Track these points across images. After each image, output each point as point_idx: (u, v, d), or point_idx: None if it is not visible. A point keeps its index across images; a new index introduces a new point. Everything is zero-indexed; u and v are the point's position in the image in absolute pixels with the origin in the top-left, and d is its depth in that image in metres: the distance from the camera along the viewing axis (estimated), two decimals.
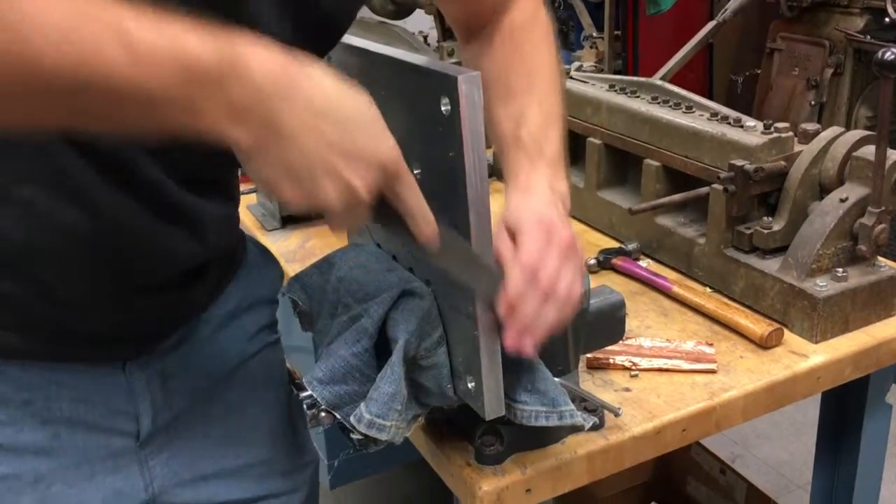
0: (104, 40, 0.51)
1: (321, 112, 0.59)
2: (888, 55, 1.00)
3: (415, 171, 0.78)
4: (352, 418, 0.81)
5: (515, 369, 0.83)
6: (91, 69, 0.51)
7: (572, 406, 0.85)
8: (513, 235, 0.77)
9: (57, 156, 0.66)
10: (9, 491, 0.73)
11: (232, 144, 0.58)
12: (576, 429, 0.87)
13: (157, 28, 0.53)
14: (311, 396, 0.84)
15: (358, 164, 0.61)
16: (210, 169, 0.76)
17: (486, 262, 0.74)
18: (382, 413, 0.80)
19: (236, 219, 0.87)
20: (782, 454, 2.33)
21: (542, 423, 0.84)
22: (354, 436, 0.83)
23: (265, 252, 0.97)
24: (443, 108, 0.69)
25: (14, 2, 0.49)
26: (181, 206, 0.73)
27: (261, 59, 0.57)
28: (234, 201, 0.85)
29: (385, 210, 0.66)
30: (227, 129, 0.56)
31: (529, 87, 0.87)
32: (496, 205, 0.75)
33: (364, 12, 2.20)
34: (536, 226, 0.76)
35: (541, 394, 0.84)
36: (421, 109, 0.73)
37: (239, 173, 0.86)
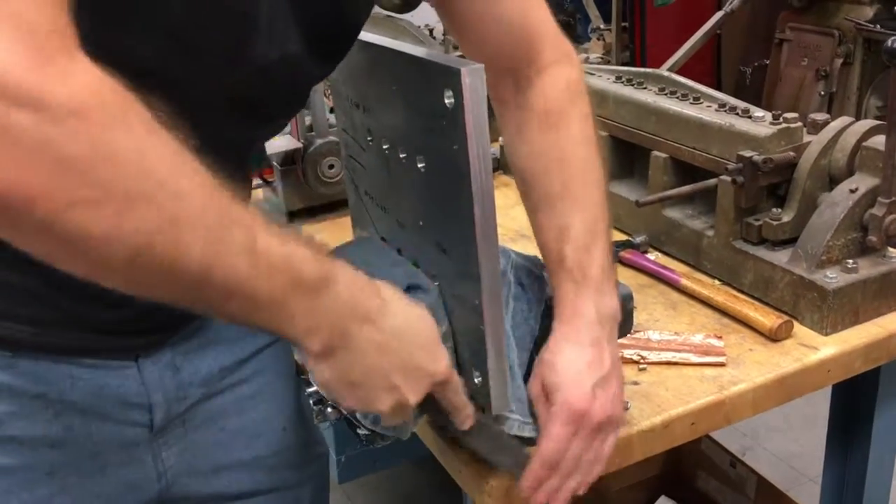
0: (239, 247, 0.56)
1: (389, 335, 0.66)
2: None
3: (419, 164, 0.78)
4: (358, 414, 0.81)
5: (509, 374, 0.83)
6: (222, 268, 0.55)
7: (531, 420, 0.86)
8: (546, 392, 0.80)
9: None
10: (24, 482, 0.74)
11: (304, 348, 0.64)
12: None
13: (279, 241, 0.59)
14: (318, 392, 0.84)
15: (414, 380, 0.68)
16: (227, 165, 0.76)
17: (512, 443, 0.82)
18: None
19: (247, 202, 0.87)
20: (793, 447, 2.32)
21: (526, 434, 0.85)
22: (361, 431, 0.83)
23: None
24: (446, 101, 0.69)
25: (173, 190, 0.52)
26: None
27: (349, 280, 0.64)
28: (247, 192, 0.86)
29: (427, 400, 0.72)
30: (303, 335, 0.62)
31: (570, 194, 0.84)
32: (501, 198, 0.75)
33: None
34: (566, 409, 0.78)
35: (521, 402, 0.84)
36: (425, 102, 0.73)
37: (252, 168, 0.86)
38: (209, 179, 0.54)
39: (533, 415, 0.84)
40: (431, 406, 0.74)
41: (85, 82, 0.48)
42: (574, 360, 0.80)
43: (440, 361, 0.70)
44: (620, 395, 0.82)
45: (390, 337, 0.66)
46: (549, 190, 0.85)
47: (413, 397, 0.69)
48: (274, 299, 0.59)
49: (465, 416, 0.76)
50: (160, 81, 0.54)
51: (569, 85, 0.87)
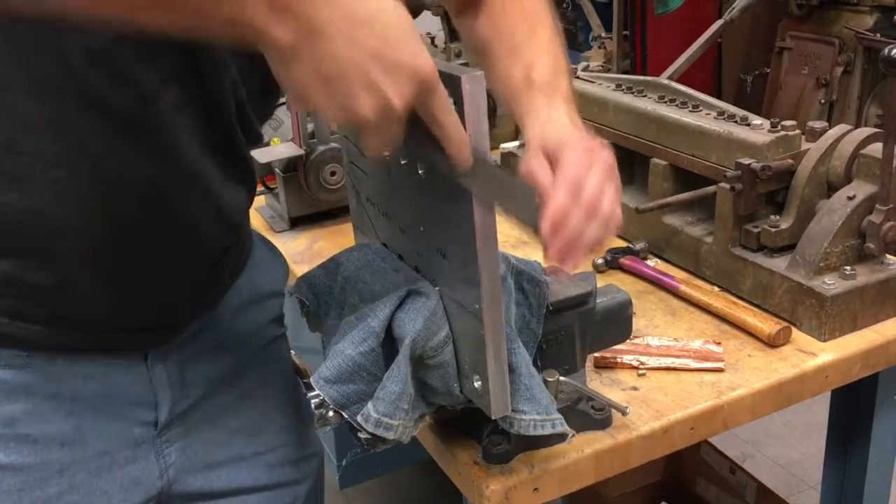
0: None
1: (362, 20, 0.58)
2: (895, 52, 1.00)
3: (419, 171, 0.79)
4: (359, 417, 0.81)
5: (513, 377, 0.82)
6: None
7: (559, 415, 0.85)
8: (549, 156, 0.76)
9: (82, 130, 0.67)
10: (37, 480, 0.75)
11: (269, 44, 0.57)
12: (563, 437, 0.87)
13: None
14: (318, 396, 0.84)
15: (395, 75, 0.60)
16: (225, 136, 0.77)
17: (521, 184, 0.73)
18: (389, 412, 0.80)
19: (249, 203, 0.88)
20: (793, 454, 2.33)
21: (539, 432, 0.84)
22: (362, 435, 0.83)
23: (270, 246, 0.99)
24: None
25: None
26: (202, 176, 0.75)
27: None
28: (248, 184, 0.86)
29: (417, 128, 0.65)
30: (267, 24, 0.56)
31: (534, 36, 0.87)
32: None
33: None
34: (580, 144, 0.76)
35: (536, 401, 0.84)
36: None
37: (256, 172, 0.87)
38: None
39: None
40: (423, 136, 0.66)
41: None
42: (570, 126, 0.79)
43: (422, 56, 0.61)
44: (619, 192, 0.78)
45: (362, 22, 0.58)
46: (515, 38, 0.87)
47: (396, 97, 0.60)
48: None
49: (460, 142, 0.66)
50: None
51: None
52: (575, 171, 0.74)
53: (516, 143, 1.68)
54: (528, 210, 0.72)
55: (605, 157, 0.76)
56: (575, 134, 0.78)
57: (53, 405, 0.75)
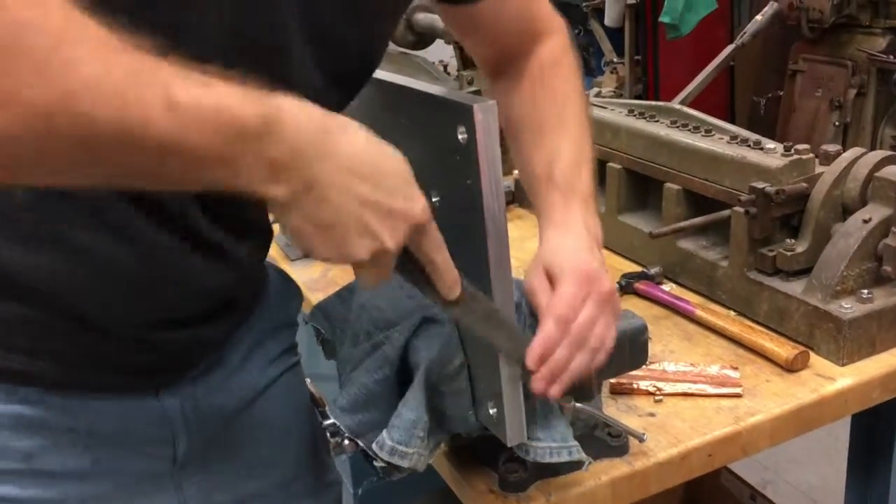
0: (152, 102, 0.52)
1: (356, 170, 0.60)
2: None
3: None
4: (374, 445, 0.81)
5: (528, 404, 0.82)
6: (139, 130, 0.51)
7: (576, 442, 0.85)
8: (551, 278, 0.78)
9: (100, 195, 0.68)
10: None
11: (268, 200, 0.59)
12: (579, 464, 0.86)
13: (201, 88, 0.54)
14: (334, 424, 0.84)
15: (389, 220, 0.62)
16: (247, 211, 0.78)
17: (509, 320, 0.76)
18: (405, 440, 0.80)
19: (264, 252, 0.89)
20: (814, 479, 2.29)
21: (555, 459, 0.84)
22: (377, 463, 0.83)
23: (285, 277, 0.99)
24: (459, 137, 0.70)
25: (71, 63, 0.49)
26: (219, 244, 0.75)
27: (298, 117, 0.58)
28: (266, 237, 0.87)
29: (409, 262, 0.67)
30: (264, 186, 0.57)
31: (560, 126, 0.88)
32: (515, 231, 0.76)
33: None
34: (577, 273, 0.76)
35: (552, 429, 0.84)
36: (439, 138, 0.74)
37: None
38: (113, 40, 0.51)
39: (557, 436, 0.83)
40: (416, 272, 0.68)
41: None
42: (576, 246, 0.80)
43: (416, 201, 0.63)
44: (616, 317, 0.80)
45: (356, 171, 0.60)
46: (542, 125, 0.88)
47: (390, 240, 0.62)
48: (213, 152, 0.54)
49: (450, 279, 0.68)
50: None
51: (560, 48, 0.94)
52: (567, 302, 0.75)
53: None
54: (514, 344, 0.74)
55: (602, 287, 0.77)
56: (578, 259, 0.78)
57: (70, 440, 0.75)
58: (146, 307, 0.75)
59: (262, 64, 0.64)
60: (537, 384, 0.74)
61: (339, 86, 0.76)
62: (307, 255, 0.63)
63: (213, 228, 0.75)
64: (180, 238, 0.72)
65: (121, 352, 0.75)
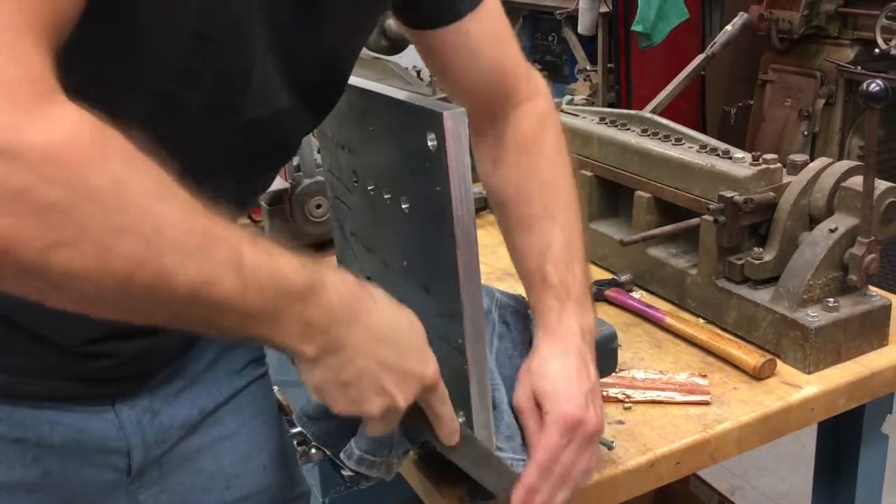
0: (224, 265, 0.55)
1: (380, 336, 0.66)
2: (873, 87, 1.01)
3: (403, 206, 0.79)
4: (342, 454, 0.80)
5: (495, 413, 0.82)
6: (207, 288, 0.55)
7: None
8: (538, 402, 0.80)
9: None
10: None
11: (297, 354, 0.63)
12: None
13: (265, 254, 0.58)
14: (301, 433, 0.83)
15: (404, 382, 0.67)
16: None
17: (498, 460, 0.80)
18: (372, 449, 0.80)
19: None
20: (782, 486, 2.31)
21: (520, 469, 0.83)
22: (345, 472, 0.82)
23: None
24: (429, 144, 0.70)
25: (152, 218, 0.52)
26: None
27: (337, 284, 0.63)
28: None
29: (415, 412, 0.72)
30: (297, 342, 0.62)
31: (549, 213, 0.87)
32: (486, 237, 0.76)
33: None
34: (562, 420, 0.78)
35: (513, 440, 0.83)
36: (409, 144, 0.74)
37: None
38: (190, 203, 0.55)
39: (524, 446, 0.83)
40: (418, 419, 0.73)
41: (61, 126, 0.49)
42: (564, 370, 0.80)
43: (429, 364, 0.70)
44: (596, 449, 0.82)
45: (381, 338, 0.66)
46: (529, 211, 0.88)
47: (402, 400, 0.68)
48: (265, 311, 0.58)
49: (452, 429, 0.75)
50: (149, 137, 0.55)
51: (542, 115, 0.92)
52: (550, 451, 0.77)
53: None
54: (503, 485, 0.79)
55: (586, 430, 0.78)
56: (567, 396, 0.79)
57: (19, 451, 0.73)
58: (96, 319, 0.73)
59: (225, 86, 0.64)
60: None
61: (309, 105, 0.76)
62: (324, 403, 0.68)
63: None
64: None
65: (72, 360, 0.74)
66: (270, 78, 0.70)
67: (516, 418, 0.83)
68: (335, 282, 0.63)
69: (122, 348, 0.76)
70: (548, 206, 0.88)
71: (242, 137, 0.71)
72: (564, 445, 0.77)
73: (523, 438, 0.83)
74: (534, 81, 0.93)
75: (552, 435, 0.77)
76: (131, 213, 0.51)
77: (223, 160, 0.71)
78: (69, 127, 0.49)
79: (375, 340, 0.65)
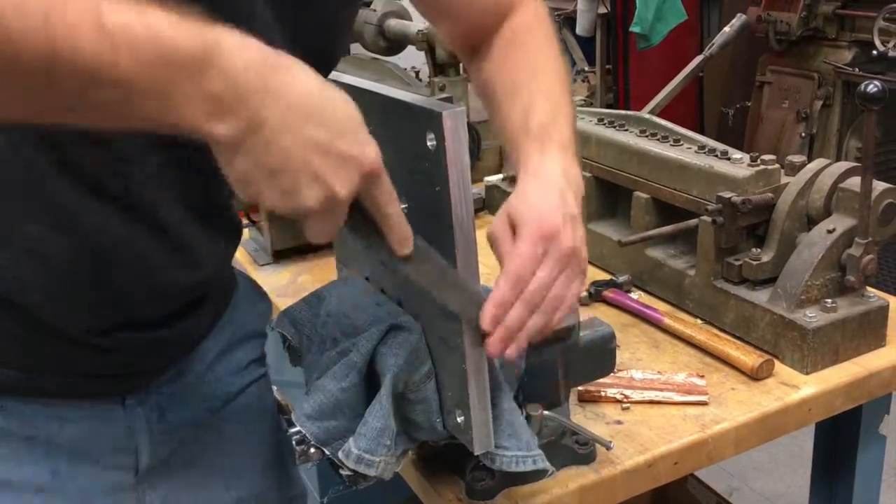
0: (80, 23, 0.49)
1: (305, 111, 0.57)
2: (870, 88, 1.02)
3: (402, 205, 0.79)
4: (340, 454, 0.81)
5: (495, 412, 0.82)
6: (67, 52, 0.49)
7: (540, 451, 0.84)
8: (513, 226, 0.74)
9: (55, 190, 0.67)
10: None
11: (211, 140, 0.56)
12: (544, 472, 0.86)
13: (134, 12, 0.51)
14: (300, 432, 0.84)
15: (340, 166, 0.59)
16: (207, 196, 0.76)
17: (462, 279, 0.73)
18: (371, 448, 0.80)
19: (231, 254, 0.87)
20: (779, 487, 2.32)
21: (521, 468, 0.83)
22: (343, 472, 0.82)
23: (254, 286, 0.98)
24: (428, 144, 0.70)
25: None
26: (178, 234, 0.74)
27: (240, 50, 0.55)
28: (230, 236, 0.85)
29: (360, 218, 0.65)
30: (205, 122, 0.55)
31: (535, 80, 0.84)
32: (483, 238, 0.76)
33: (356, 49, 2.23)
34: (536, 229, 0.72)
35: (517, 437, 0.83)
36: (407, 145, 0.74)
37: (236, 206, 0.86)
38: None
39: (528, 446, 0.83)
40: (365, 224, 0.66)
41: None
42: (543, 197, 0.74)
43: (368, 146, 0.60)
44: (585, 242, 0.77)
45: (307, 113, 0.57)
46: (515, 79, 0.85)
47: (341, 188, 0.59)
48: (148, 83, 0.52)
49: (403, 235, 0.66)
50: None
51: (535, 14, 0.91)
52: (521, 260, 0.72)
53: (500, 175, 1.69)
54: (468, 303, 0.72)
55: (561, 243, 0.73)
56: (540, 210, 0.73)
57: (29, 449, 0.73)
58: (107, 307, 0.73)
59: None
60: (493, 346, 0.71)
61: (310, 61, 0.76)
62: (254, 202, 0.59)
63: (189, 224, 0.73)
64: (137, 227, 0.70)
65: (81, 354, 0.74)
66: (271, 30, 0.70)
67: (520, 407, 0.82)
68: (238, 46, 0.55)
69: (129, 341, 0.75)
70: (534, 75, 0.85)
71: None
72: (539, 256, 0.71)
73: (527, 435, 0.83)
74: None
75: (523, 244, 0.71)
76: None
77: None
78: None
79: (300, 116, 0.57)
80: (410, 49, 2.09)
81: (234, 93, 0.54)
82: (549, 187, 0.76)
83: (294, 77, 0.58)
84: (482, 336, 0.73)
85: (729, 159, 1.22)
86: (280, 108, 0.56)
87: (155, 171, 0.70)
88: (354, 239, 0.67)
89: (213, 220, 0.78)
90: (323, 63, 0.80)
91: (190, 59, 0.53)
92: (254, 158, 0.57)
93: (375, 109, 0.82)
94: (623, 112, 1.47)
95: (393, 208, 0.65)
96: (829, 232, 1.11)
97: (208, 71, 0.53)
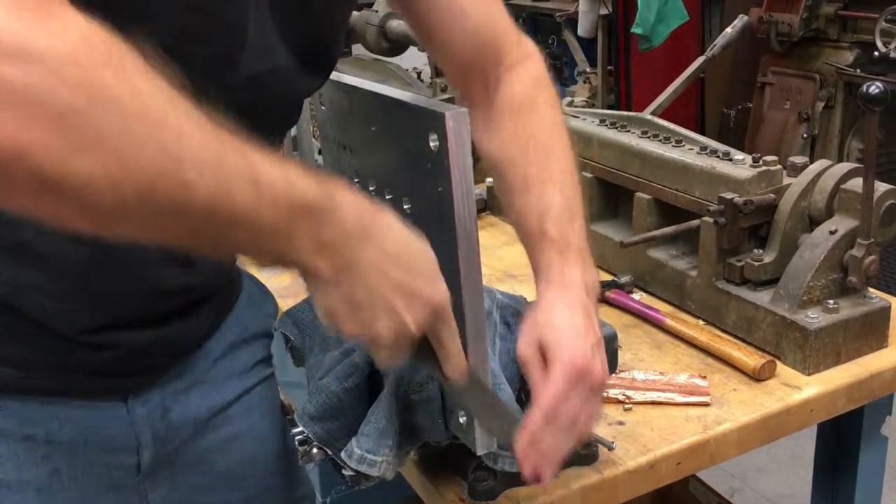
0: (240, 177, 0.55)
1: (392, 255, 0.65)
2: (872, 89, 1.02)
3: (405, 206, 0.79)
4: (343, 454, 0.81)
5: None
6: (225, 200, 0.55)
7: None
8: (543, 353, 0.78)
9: None
10: None
11: (311, 274, 0.63)
12: None
13: (279, 168, 0.58)
14: (303, 432, 0.84)
15: (414, 304, 0.66)
16: None
17: (505, 406, 0.79)
18: (373, 448, 0.80)
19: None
20: (781, 488, 2.32)
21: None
22: (346, 472, 0.83)
23: (261, 286, 0.98)
24: (431, 144, 0.70)
25: (172, 126, 0.51)
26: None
27: (351, 202, 0.63)
28: None
29: (424, 346, 0.71)
30: (311, 259, 0.61)
31: (547, 174, 0.86)
32: (487, 238, 0.76)
33: (358, 50, 2.23)
34: (569, 366, 0.76)
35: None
36: (410, 145, 0.74)
37: None
38: (202, 115, 0.54)
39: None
40: (427, 353, 0.72)
41: (74, 29, 0.47)
42: (570, 320, 0.78)
43: (439, 288, 0.68)
44: (601, 400, 0.80)
45: (393, 259, 0.65)
46: (527, 172, 0.86)
47: (412, 321, 0.66)
48: (278, 226, 0.58)
49: (459, 364, 0.73)
50: None
51: (535, 78, 0.91)
52: (556, 397, 0.75)
53: None
54: (508, 432, 0.76)
55: (593, 379, 0.76)
56: (573, 344, 0.77)
57: (28, 449, 0.73)
58: (104, 307, 0.74)
59: (224, 39, 0.64)
60: (527, 473, 0.75)
61: (305, 65, 0.76)
62: (335, 329, 0.67)
63: None
64: None
65: (77, 351, 0.74)
66: (267, 33, 0.71)
67: (521, 405, 0.82)
68: (349, 200, 0.63)
69: (127, 339, 0.76)
70: (545, 166, 0.86)
71: (244, 94, 0.71)
72: (571, 391, 0.75)
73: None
74: (525, 45, 0.92)
75: (558, 382, 0.75)
76: (151, 120, 0.50)
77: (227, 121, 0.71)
78: (82, 31, 0.48)
79: (388, 261, 0.65)
80: (412, 50, 2.09)
81: (340, 238, 0.62)
82: (574, 307, 0.79)
83: (388, 226, 0.66)
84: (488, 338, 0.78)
85: (731, 160, 1.22)
86: (373, 253, 0.64)
87: None
88: (415, 364, 0.74)
89: None
90: (323, 62, 0.80)
91: (313, 208, 0.60)
92: (342, 294, 0.64)
93: (378, 110, 0.82)
94: (625, 113, 1.47)
95: (454, 342, 0.72)
96: (832, 233, 1.11)
97: (323, 218, 0.61)
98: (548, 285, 0.81)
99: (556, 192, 0.85)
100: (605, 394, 0.80)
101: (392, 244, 0.65)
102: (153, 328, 0.77)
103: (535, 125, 0.89)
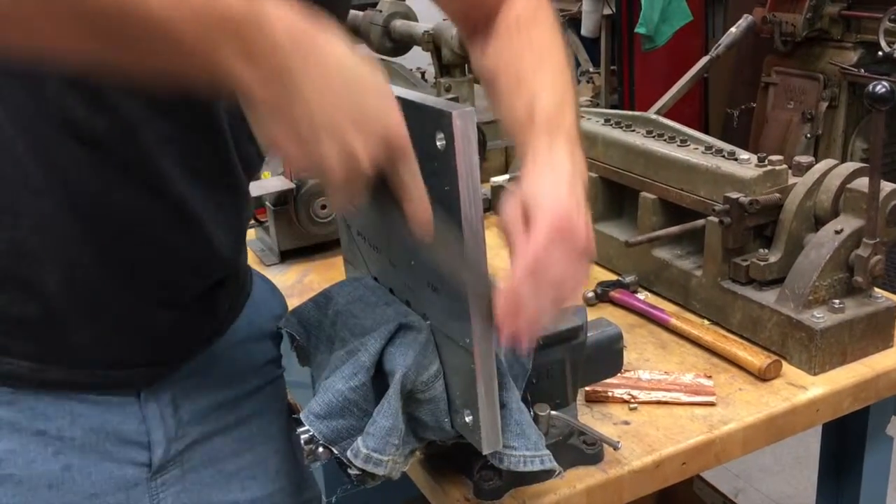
0: None
1: (334, 74, 0.59)
2: (879, 88, 1.02)
3: None
4: (348, 453, 0.81)
5: (503, 412, 0.82)
6: (131, 7, 0.52)
7: (548, 451, 0.84)
8: (526, 212, 0.73)
9: (61, 158, 0.67)
10: None
11: (242, 90, 0.58)
12: (552, 472, 0.85)
13: None
14: (308, 431, 0.84)
15: (363, 130, 0.60)
16: (215, 166, 0.77)
17: (478, 264, 0.72)
18: (379, 447, 0.80)
19: (243, 234, 0.87)
20: (785, 488, 2.31)
21: (529, 468, 0.83)
22: (352, 471, 0.82)
23: (270, 286, 0.98)
24: (438, 144, 0.70)
25: None
26: (187, 206, 0.74)
27: (282, 13, 0.58)
28: (244, 214, 0.85)
29: (382, 192, 0.65)
30: (239, 71, 0.57)
31: (540, 71, 0.83)
32: (493, 238, 0.76)
33: (362, 50, 2.23)
34: (551, 221, 0.71)
35: (525, 437, 0.83)
36: (416, 144, 0.73)
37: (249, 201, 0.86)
38: None
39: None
40: (386, 195, 0.67)
41: None
42: (555, 184, 0.73)
43: (393, 114, 0.62)
44: (587, 268, 0.75)
45: (335, 77, 0.59)
46: (521, 71, 0.84)
47: (362, 149, 0.60)
48: (198, 39, 0.55)
49: (422, 209, 0.67)
50: None
51: (539, 6, 0.90)
52: (537, 254, 0.70)
53: (506, 176, 1.69)
54: (483, 286, 0.72)
55: (577, 240, 0.72)
56: (557, 198, 0.72)
57: (40, 444, 0.73)
58: (120, 287, 0.73)
59: None
60: (506, 336, 0.71)
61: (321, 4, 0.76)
62: (276, 155, 0.61)
63: (199, 196, 0.74)
64: (150, 198, 0.71)
65: (98, 344, 0.74)
66: None
67: (528, 407, 0.82)
68: (281, 10, 0.58)
69: (149, 321, 0.76)
70: (538, 67, 0.84)
71: None
72: (552, 249, 0.70)
73: (535, 435, 0.83)
74: None
75: (539, 236, 0.70)
76: None
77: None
78: None
79: (328, 76, 0.59)
80: (416, 50, 2.09)
81: (269, 50, 0.57)
82: (559, 175, 0.75)
83: (327, 41, 0.60)
84: (494, 327, 0.72)
85: (736, 160, 1.22)
86: (309, 68, 0.58)
87: (163, 136, 0.70)
88: (375, 214, 0.67)
89: (225, 192, 0.79)
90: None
91: (238, 16, 0.55)
92: (280, 114, 0.59)
93: None
94: (629, 112, 1.47)
95: (415, 182, 0.65)
96: (837, 233, 1.11)
97: (249, 28, 0.56)
98: (534, 164, 0.76)
99: (547, 84, 0.82)
100: (589, 261, 0.74)
101: (335, 61, 0.60)
102: (174, 311, 0.77)
103: (534, 34, 0.87)
